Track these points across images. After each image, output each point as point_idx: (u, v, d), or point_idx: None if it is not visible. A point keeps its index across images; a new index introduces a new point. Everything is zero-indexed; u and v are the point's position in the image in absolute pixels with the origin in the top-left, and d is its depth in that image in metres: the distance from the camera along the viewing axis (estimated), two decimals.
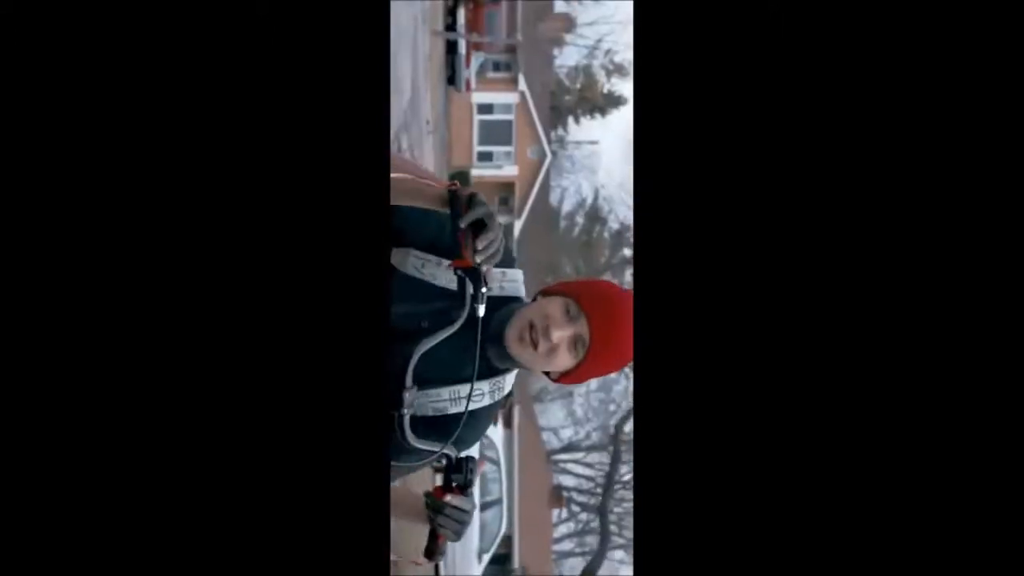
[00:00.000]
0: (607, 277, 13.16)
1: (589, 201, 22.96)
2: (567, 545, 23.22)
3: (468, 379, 1.35)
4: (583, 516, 22.42)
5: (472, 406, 1.39)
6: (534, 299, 1.44)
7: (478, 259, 1.24)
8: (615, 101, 26.80)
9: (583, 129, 27.85)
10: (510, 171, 18.76)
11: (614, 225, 23.31)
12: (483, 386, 1.44)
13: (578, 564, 22.80)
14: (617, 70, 26.68)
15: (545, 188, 19.11)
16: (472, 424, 1.44)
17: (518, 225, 18.96)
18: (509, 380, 1.49)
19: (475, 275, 1.29)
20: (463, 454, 1.44)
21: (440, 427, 1.41)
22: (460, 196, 1.25)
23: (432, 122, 12.30)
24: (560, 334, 1.33)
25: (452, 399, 1.42)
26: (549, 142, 18.81)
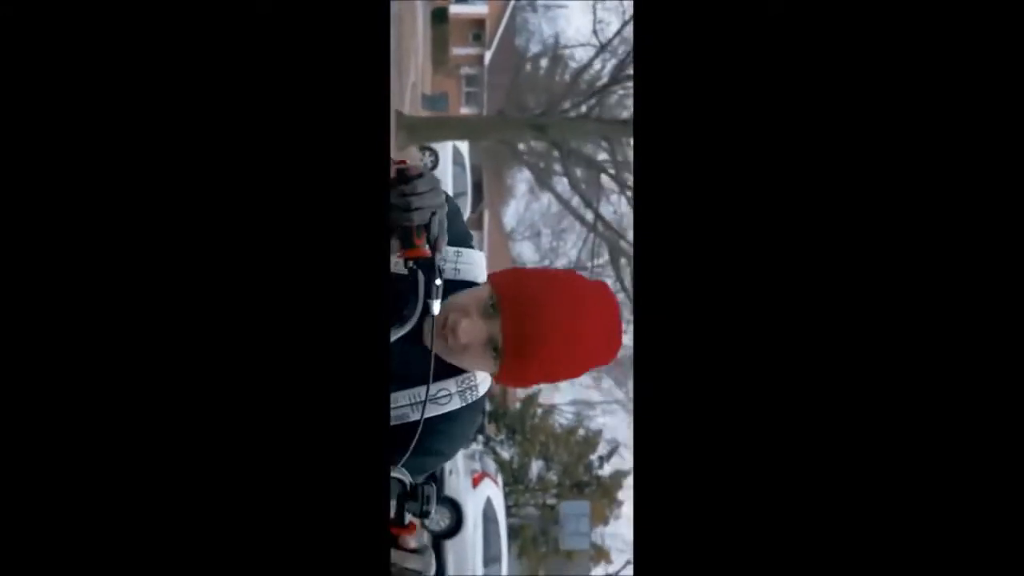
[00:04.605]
0: (565, 105, 11.73)
1: (551, 43, 25.14)
2: None
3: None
4: None
5: (438, 410, 1.21)
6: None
7: (414, 203, 1.07)
8: None
9: None
10: (481, 9, 21.53)
11: (572, 64, 25.41)
12: (449, 385, 1.22)
13: None
14: None
15: (510, 30, 21.45)
16: (446, 432, 1.24)
17: (488, 55, 21.62)
18: (482, 376, 1.26)
19: (428, 266, 1.13)
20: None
21: (404, 440, 1.18)
22: (407, 174, 1.10)
23: None
24: (468, 331, 1.14)
25: (412, 404, 1.20)
26: None
